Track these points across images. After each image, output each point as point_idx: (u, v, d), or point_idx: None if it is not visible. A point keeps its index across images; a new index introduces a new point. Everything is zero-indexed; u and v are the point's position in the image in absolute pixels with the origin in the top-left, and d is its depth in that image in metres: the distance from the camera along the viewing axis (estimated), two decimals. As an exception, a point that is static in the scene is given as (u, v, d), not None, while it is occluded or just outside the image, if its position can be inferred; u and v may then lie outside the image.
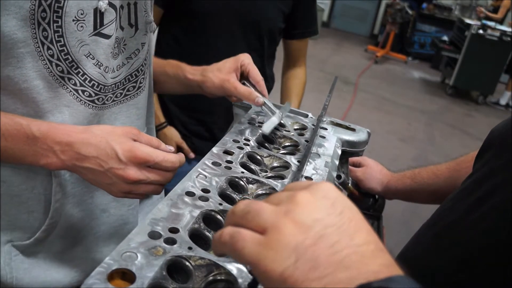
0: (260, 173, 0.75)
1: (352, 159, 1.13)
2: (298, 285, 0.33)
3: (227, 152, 0.77)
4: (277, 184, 0.70)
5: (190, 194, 0.62)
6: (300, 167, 0.74)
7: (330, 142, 0.87)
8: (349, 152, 0.93)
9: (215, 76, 0.90)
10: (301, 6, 1.50)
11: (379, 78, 7.07)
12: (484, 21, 6.89)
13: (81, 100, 0.75)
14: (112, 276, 0.45)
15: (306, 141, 0.87)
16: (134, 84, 0.86)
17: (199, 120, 1.52)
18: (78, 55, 0.71)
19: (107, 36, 0.74)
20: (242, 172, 0.71)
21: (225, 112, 1.00)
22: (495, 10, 7.86)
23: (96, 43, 0.72)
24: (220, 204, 0.61)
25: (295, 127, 0.95)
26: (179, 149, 1.55)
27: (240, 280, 0.48)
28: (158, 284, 0.45)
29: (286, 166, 0.78)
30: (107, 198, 0.86)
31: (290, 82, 1.65)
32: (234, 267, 0.49)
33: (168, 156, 0.67)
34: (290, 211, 0.36)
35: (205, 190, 0.64)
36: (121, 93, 0.83)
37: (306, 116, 1.00)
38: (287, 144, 0.87)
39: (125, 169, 0.64)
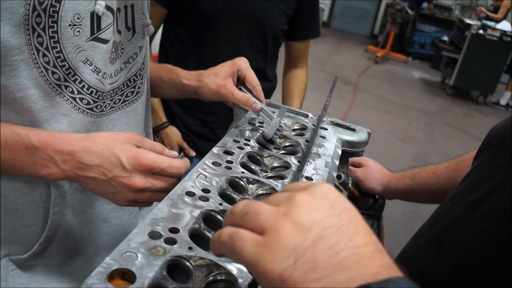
0: (260, 173, 0.75)
1: (352, 159, 1.13)
2: (297, 286, 0.33)
3: (227, 152, 0.77)
4: (277, 184, 0.70)
5: (190, 194, 0.62)
6: (300, 167, 0.74)
7: (330, 142, 0.87)
8: (349, 152, 0.93)
9: (211, 81, 0.87)
10: (304, 8, 1.51)
11: (379, 78, 7.07)
12: (484, 21, 6.88)
13: (79, 108, 0.72)
14: (112, 276, 0.45)
15: (306, 141, 0.87)
16: (133, 90, 0.84)
17: (201, 120, 1.52)
18: (75, 62, 0.68)
19: (104, 41, 0.71)
20: (242, 172, 0.71)
21: (228, 112, 1.00)
22: (496, 10, 7.85)
23: (94, 49, 0.70)
24: (220, 204, 0.61)
25: (295, 127, 0.95)
26: (180, 149, 1.55)
27: (240, 280, 0.48)
28: (158, 284, 0.45)
29: (286, 166, 0.78)
30: (107, 208, 0.84)
31: (291, 83, 1.66)
32: (234, 267, 0.49)
33: (173, 162, 0.66)
34: (289, 212, 0.36)
35: (205, 190, 0.64)
36: (119, 99, 0.81)
37: (306, 116, 1.00)
38: (287, 144, 0.87)
39: (130, 177, 0.62)
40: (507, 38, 6.35)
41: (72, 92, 0.70)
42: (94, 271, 0.44)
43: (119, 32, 0.76)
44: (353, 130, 0.96)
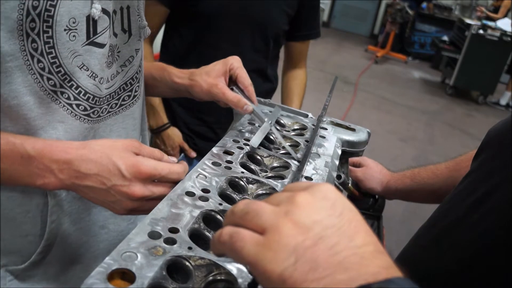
0: (260, 173, 0.75)
1: (352, 159, 1.13)
2: (297, 285, 0.33)
3: (227, 152, 0.77)
4: (277, 184, 0.70)
5: (190, 194, 0.62)
6: (300, 167, 0.74)
7: (330, 142, 0.87)
8: (349, 152, 0.93)
9: (203, 80, 0.84)
10: (305, 9, 1.51)
11: (379, 78, 7.06)
12: (485, 21, 6.88)
13: (75, 114, 0.70)
14: (112, 276, 0.45)
15: (306, 141, 0.87)
16: (129, 93, 0.82)
17: (202, 120, 1.52)
18: (71, 67, 0.67)
19: (101, 45, 0.70)
20: (242, 172, 0.71)
21: (228, 112, 0.99)
22: (496, 10, 7.85)
23: (90, 53, 0.68)
24: (220, 204, 0.61)
25: (295, 127, 0.95)
26: (181, 150, 1.54)
27: (240, 280, 0.48)
28: (158, 284, 0.45)
29: (286, 166, 0.78)
30: (105, 214, 0.82)
31: (291, 83, 1.66)
32: (234, 267, 0.49)
33: (173, 167, 0.64)
34: (290, 212, 0.36)
35: (205, 190, 0.64)
36: (116, 104, 0.79)
37: (306, 116, 1.00)
38: (287, 144, 0.87)
39: (130, 186, 0.61)
40: (507, 38, 6.35)
41: (69, 98, 0.69)
42: (94, 271, 0.44)
43: (115, 35, 0.74)
44: (353, 130, 0.96)
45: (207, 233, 0.57)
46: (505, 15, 7.49)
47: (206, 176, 0.68)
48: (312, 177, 0.73)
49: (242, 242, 0.36)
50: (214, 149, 0.77)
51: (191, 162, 1.54)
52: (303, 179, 0.72)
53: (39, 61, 0.63)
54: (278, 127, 0.92)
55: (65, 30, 0.64)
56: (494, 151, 0.75)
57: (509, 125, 0.75)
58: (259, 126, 0.83)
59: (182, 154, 1.56)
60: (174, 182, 0.65)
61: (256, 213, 0.37)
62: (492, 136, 0.79)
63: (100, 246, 0.83)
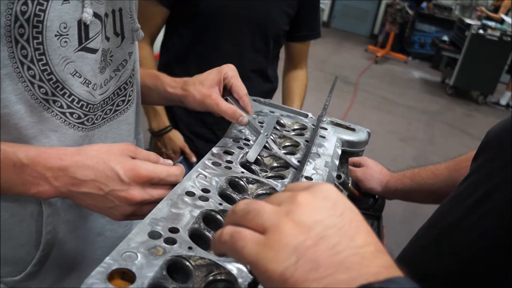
0: (260, 173, 0.75)
1: (352, 159, 1.13)
2: (298, 285, 0.33)
3: (227, 152, 0.77)
4: (277, 184, 0.70)
5: (190, 194, 0.62)
6: (300, 167, 0.74)
7: (330, 142, 0.87)
8: (349, 152, 0.93)
9: (196, 90, 0.81)
10: (305, 9, 1.51)
11: (379, 78, 7.06)
12: (484, 21, 6.88)
13: (69, 123, 0.69)
14: (112, 276, 0.45)
15: (306, 141, 0.87)
16: (124, 98, 0.80)
17: (203, 121, 1.52)
18: (63, 74, 0.64)
19: (93, 51, 0.68)
20: (242, 172, 0.71)
21: None
22: (496, 10, 7.85)
23: (82, 59, 0.66)
24: (220, 204, 0.61)
25: (295, 127, 0.95)
26: (182, 153, 1.54)
27: (240, 280, 0.48)
28: (158, 284, 0.45)
29: (286, 166, 0.78)
30: (102, 221, 0.81)
31: (292, 83, 1.66)
32: (234, 267, 0.49)
33: (171, 170, 0.63)
34: (291, 212, 0.36)
35: (205, 190, 0.64)
36: (110, 109, 0.77)
37: (306, 116, 1.00)
38: (287, 144, 0.87)
39: (129, 190, 0.59)
40: (507, 38, 6.35)
41: (61, 106, 0.67)
42: (94, 271, 0.44)
43: (107, 38, 0.72)
44: (353, 130, 0.96)
45: (207, 233, 0.57)
46: (505, 15, 7.49)
47: (206, 176, 0.68)
48: (312, 177, 0.73)
49: (243, 242, 0.36)
50: (214, 149, 0.77)
51: (191, 166, 1.53)
52: (303, 179, 0.72)
53: (29, 68, 0.61)
54: (278, 127, 0.92)
55: (56, 35, 0.62)
56: (493, 152, 0.75)
57: (509, 126, 0.75)
58: (247, 145, 0.81)
59: (181, 157, 1.55)
60: (172, 185, 0.64)
61: (257, 213, 0.37)
62: (492, 137, 0.79)
63: (97, 253, 0.82)
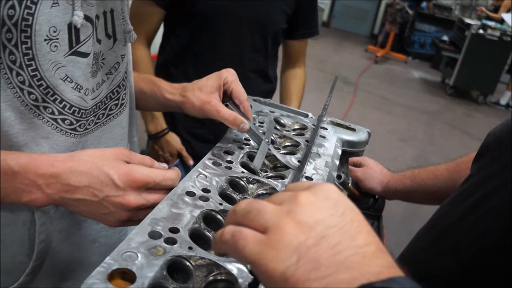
0: (261, 173, 0.75)
1: (353, 159, 1.13)
2: (300, 285, 0.33)
3: (227, 152, 0.77)
4: (277, 184, 0.70)
5: (190, 194, 0.62)
6: (301, 167, 0.74)
7: (330, 142, 0.87)
8: (349, 152, 0.93)
9: (195, 96, 0.78)
10: (303, 7, 1.50)
11: (379, 78, 7.07)
12: (485, 21, 6.88)
13: (61, 129, 0.67)
14: (112, 276, 0.45)
15: (307, 141, 0.87)
16: (116, 102, 0.78)
17: (203, 122, 1.50)
18: (53, 80, 0.62)
19: (84, 55, 0.66)
20: (242, 172, 0.71)
21: None
22: (496, 9, 7.85)
23: (73, 64, 0.64)
24: (221, 204, 0.61)
25: (295, 127, 0.95)
26: (179, 155, 1.52)
27: (240, 280, 0.48)
28: (158, 284, 0.45)
29: (286, 166, 0.78)
30: (96, 228, 0.80)
31: (289, 82, 1.64)
32: (234, 267, 0.49)
33: (167, 174, 0.62)
34: (292, 211, 0.36)
35: (206, 190, 0.64)
36: (103, 114, 0.76)
37: (306, 116, 1.00)
38: (287, 144, 0.87)
39: (124, 195, 0.58)
40: (507, 38, 6.35)
41: (53, 113, 0.65)
42: (94, 271, 0.44)
43: (99, 41, 0.70)
44: (353, 130, 0.96)
45: (207, 233, 0.57)
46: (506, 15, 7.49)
47: (206, 176, 0.68)
48: (312, 177, 0.73)
49: (244, 241, 0.36)
50: (214, 149, 0.77)
51: (188, 169, 1.51)
52: (304, 179, 0.72)
53: (18, 74, 0.59)
54: (278, 127, 0.92)
55: (45, 40, 0.59)
56: (493, 154, 0.75)
57: (509, 128, 0.75)
58: (247, 145, 0.80)
59: (178, 160, 1.53)
60: (168, 189, 0.62)
61: (258, 212, 0.37)
62: (491, 139, 0.79)
63: (91, 260, 0.80)
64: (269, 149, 0.79)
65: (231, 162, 0.74)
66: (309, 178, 0.72)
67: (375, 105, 5.78)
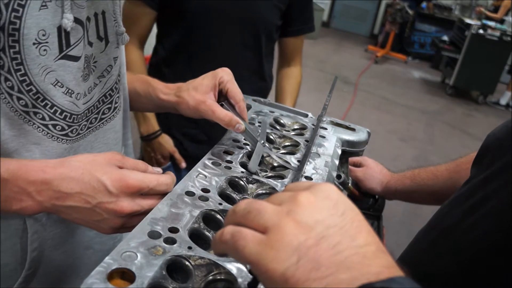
0: (260, 172, 0.75)
1: (353, 159, 1.13)
2: (300, 285, 0.33)
3: (227, 152, 0.77)
4: (277, 184, 0.70)
5: (190, 193, 0.62)
6: (300, 167, 0.74)
7: (330, 142, 0.87)
8: (349, 152, 0.93)
9: (190, 96, 0.76)
10: (297, 2, 1.47)
11: (379, 78, 7.07)
12: (484, 21, 6.89)
13: (52, 135, 0.65)
14: (111, 275, 0.45)
15: (306, 140, 0.87)
16: (109, 105, 0.76)
17: (197, 122, 1.47)
18: (43, 85, 0.60)
19: (75, 58, 0.64)
20: (242, 172, 0.71)
21: None
22: (496, 10, 7.85)
23: (64, 68, 0.62)
24: (220, 204, 0.61)
25: (295, 127, 0.95)
26: (171, 158, 1.50)
27: (240, 280, 0.48)
28: (158, 284, 0.45)
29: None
30: (90, 235, 0.78)
31: (284, 82, 1.61)
32: (234, 267, 0.49)
33: (161, 178, 0.60)
34: (292, 211, 0.36)
35: (205, 190, 0.64)
36: (96, 118, 0.74)
37: (306, 116, 1.00)
38: (287, 144, 0.87)
39: (117, 202, 0.56)
40: (507, 38, 6.35)
41: (43, 118, 0.63)
42: (93, 271, 0.44)
43: (90, 44, 0.68)
44: (353, 129, 0.96)
45: (207, 233, 0.57)
46: (505, 15, 7.49)
47: (206, 176, 0.68)
48: (312, 177, 0.73)
49: (244, 241, 0.36)
50: (214, 149, 0.77)
51: (180, 172, 1.49)
52: (303, 179, 0.72)
53: (6, 79, 0.57)
54: (278, 127, 0.92)
55: (34, 44, 0.58)
56: (493, 155, 0.75)
57: (509, 129, 0.75)
58: (247, 145, 0.80)
59: (170, 163, 1.51)
60: (162, 194, 0.61)
61: (258, 212, 0.37)
62: (492, 140, 0.79)
63: (86, 267, 0.79)
64: (265, 151, 0.78)
65: (230, 162, 0.74)
66: (308, 178, 0.72)
67: (375, 105, 5.78)
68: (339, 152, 0.88)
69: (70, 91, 0.65)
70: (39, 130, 0.63)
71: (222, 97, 0.79)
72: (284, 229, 0.35)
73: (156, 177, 0.60)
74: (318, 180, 0.73)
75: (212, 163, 0.72)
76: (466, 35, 6.68)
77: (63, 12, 0.60)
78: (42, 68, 0.60)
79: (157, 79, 0.88)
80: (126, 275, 0.45)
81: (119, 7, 0.75)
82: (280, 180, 0.72)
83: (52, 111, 0.63)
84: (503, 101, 6.80)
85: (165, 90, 0.82)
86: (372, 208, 1.14)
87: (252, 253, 0.35)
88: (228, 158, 0.75)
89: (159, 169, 0.65)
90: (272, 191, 0.69)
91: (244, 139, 0.83)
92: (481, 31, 6.47)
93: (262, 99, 1.02)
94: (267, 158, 0.79)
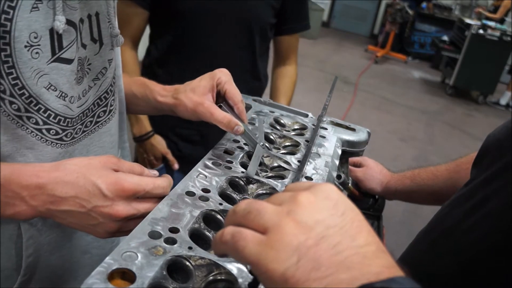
0: (260, 173, 0.75)
1: (353, 159, 1.13)
2: (300, 285, 0.33)
3: (227, 152, 0.77)
4: (277, 184, 0.70)
5: (190, 193, 0.62)
6: (301, 167, 0.74)
7: (330, 142, 0.87)
8: (349, 152, 0.93)
9: (187, 98, 0.75)
10: (291, 0, 1.45)
11: (379, 78, 7.07)
12: (484, 21, 6.89)
13: (46, 140, 0.64)
14: (112, 275, 0.45)
15: (307, 140, 0.87)
16: (105, 108, 0.75)
17: (191, 122, 1.46)
18: (36, 89, 0.59)
19: (68, 61, 0.63)
20: (242, 172, 0.71)
21: None
22: (496, 10, 7.85)
23: (57, 71, 0.61)
24: (220, 204, 0.61)
25: (295, 127, 0.95)
26: (164, 159, 1.49)
27: (240, 280, 0.48)
28: (158, 284, 0.45)
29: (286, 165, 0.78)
30: (87, 239, 0.77)
31: (279, 81, 1.59)
32: (234, 267, 0.49)
33: (157, 181, 0.60)
34: (292, 212, 0.36)
35: (205, 190, 0.64)
36: (91, 122, 0.73)
37: (306, 116, 1.00)
38: (287, 144, 0.87)
39: (113, 206, 0.56)
40: (507, 38, 6.35)
41: (37, 123, 0.62)
42: (94, 271, 0.44)
43: (83, 46, 0.67)
44: (353, 130, 0.96)
45: (207, 233, 0.57)
46: (505, 15, 7.50)
47: (206, 176, 0.68)
48: (312, 177, 0.73)
49: (244, 242, 0.36)
50: (214, 149, 0.77)
51: (172, 173, 1.47)
52: (303, 179, 0.72)
53: None
54: (278, 127, 0.92)
55: (26, 46, 0.56)
56: (493, 155, 0.75)
57: (509, 130, 0.75)
58: (247, 145, 0.79)
59: (162, 164, 1.50)
60: (159, 197, 0.60)
61: (258, 213, 0.37)
62: (491, 141, 0.79)
63: (83, 271, 0.78)
64: (265, 152, 0.78)
65: (231, 162, 0.74)
66: (309, 178, 0.72)
67: (375, 105, 5.78)
68: (339, 152, 0.88)
69: (63, 94, 0.63)
70: (33, 135, 0.62)
71: (221, 98, 0.78)
72: (284, 229, 0.35)
73: (152, 180, 0.59)
74: (318, 180, 0.73)
75: (213, 163, 0.72)
76: (466, 35, 6.69)
77: (55, 14, 0.59)
78: (34, 71, 0.58)
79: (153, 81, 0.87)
80: (126, 275, 0.46)
81: (114, 8, 0.74)
82: (280, 180, 0.72)
83: (45, 115, 0.62)
84: (503, 101, 6.81)
85: (162, 92, 0.81)
86: (372, 208, 1.14)
87: (252, 253, 0.35)
88: (228, 158, 0.75)
89: (156, 172, 0.64)
90: (272, 191, 0.69)
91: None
92: (481, 31, 6.47)
93: (262, 99, 1.02)
94: (267, 158, 0.79)
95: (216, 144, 0.79)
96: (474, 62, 6.52)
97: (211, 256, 0.50)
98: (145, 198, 0.59)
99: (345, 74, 6.75)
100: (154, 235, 0.52)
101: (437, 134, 5.28)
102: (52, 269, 0.72)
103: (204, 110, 0.74)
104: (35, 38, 0.57)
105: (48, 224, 0.68)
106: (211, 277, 0.49)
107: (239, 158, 0.76)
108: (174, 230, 0.54)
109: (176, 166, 1.48)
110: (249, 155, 0.78)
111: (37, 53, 0.58)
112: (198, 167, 0.70)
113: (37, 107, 0.61)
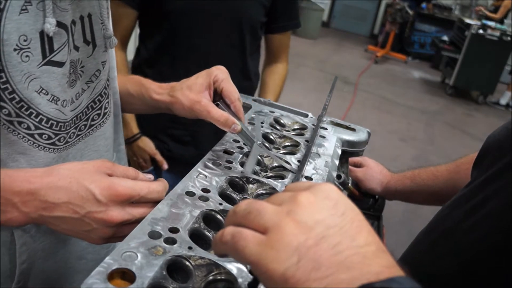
0: (260, 173, 0.75)
1: (353, 159, 1.13)
2: (300, 285, 0.33)
3: (227, 152, 0.77)
4: (277, 184, 0.70)
5: (190, 193, 0.62)
6: (301, 167, 0.74)
7: (330, 142, 0.87)
8: (349, 152, 0.93)
9: (184, 96, 0.74)
10: None
11: (379, 78, 7.07)
12: (484, 21, 6.89)
13: (38, 145, 0.62)
14: (112, 275, 0.45)
15: (306, 140, 0.87)
16: (99, 111, 0.74)
17: (179, 122, 1.43)
18: (27, 93, 0.58)
19: (60, 64, 0.61)
20: (242, 172, 0.71)
21: None
22: (496, 10, 7.85)
23: (48, 74, 0.60)
24: (220, 204, 0.61)
25: (295, 127, 0.95)
26: (152, 160, 1.48)
27: (240, 280, 0.48)
28: (158, 284, 0.45)
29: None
30: (82, 245, 0.76)
31: (268, 78, 1.59)
32: (234, 267, 0.49)
33: (152, 186, 0.58)
34: (292, 212, 0.36)
35: (205, 190, 0.64)
36: (85, 125, 0.71)
37: (306, 116, 1.00)
38: (287, 144, 0.87)
39: (107, 211, 0.54)
40: (507, 38, 6.35)
41: (28, 128, 0.60)
42: (94, 271, 0.44)
43: (76, 48, 0.65)
44: (353, 130, 0.96)
45: (207, 233, 0.57)
46: (505, 15, 7.50)
47: (206, 176, 0.68)
48: (312, 177, 0.73)
49: (244, 242, 0.36)
50: (214, 149, 0.77)
51: (160, 174, 1.46)
52: (303, 179, 0.72)
53: None
54: (278, 127, 0.92)
55: (15, 49, 0.55)
56: (493, 156, 0.75)
57: (509, 131, 0.75)
58: (246, 144, 0.78)
59: (152, 167, 1.48)
60: (154, 202, 0.59)
61: (258, 213, 0.37)
62: (491, 142, 0.79)
63: (79, 277, 0.77)
64: (262, 150, 0.77)
65: (230, 162, 0.74)
66: (309, 178, 0.72)
67: (375, 105, 5.78)
68: (339, 152, 0.88)
69: (55, 98, 0.62)
70: (25, 140, 0.61)
71: (217, 96, 0.77)
72: (284, 229, 0.35)
73: (147, 184, 0.58)
74: (318, 180, 0.73)
75: (212, 163, 0.72)
76: (466, 35, 6.69)
77: (45, 16, 0.57)
78: (25, 75, 0.57)
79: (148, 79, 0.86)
80: (126, 275, 0.46)
81: (107, 9, 0.73)
82: (280, 180, 0.72)
83: (37, 120, 0.61)
84: (503, 101, 6.81)
85: (158, 90, 0.80)
86: (372, 208, 1.14)
87: (252, 253, 0.35)
88: (228, 158, 0.75)
89: (151, 176, 0.63)
90: (272, 191, 0.69)
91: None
92: (481, 31, 6.47)
93: (262, 99, 1.02)
94: (267, 158, 0.79)
95: (216, 144, 0.79)
96: (474, 62, 6.53)
97: (211, 256, 0.50)
98: (140, 203, 0.58)
99: (345, 74, 6.75)
100: (154, 235, 0.52)
101: (437, 134, 5.28)
102: (46, 275, 0.71)
103: (201, 108, 0.73)
104: (25, 41, 0.56)
105: (41, 230, 0.67)
106: (211, 277, 0.49)
107: (239, 158, 0.76)
108: (174, 230, 0.54)
109: (165, 166, 1.46)
110: (249, 155, 0.78)
111: (27, 56, 0.57)
112: (198, 167, 0.70)
113: (28, 112, 0.59)
